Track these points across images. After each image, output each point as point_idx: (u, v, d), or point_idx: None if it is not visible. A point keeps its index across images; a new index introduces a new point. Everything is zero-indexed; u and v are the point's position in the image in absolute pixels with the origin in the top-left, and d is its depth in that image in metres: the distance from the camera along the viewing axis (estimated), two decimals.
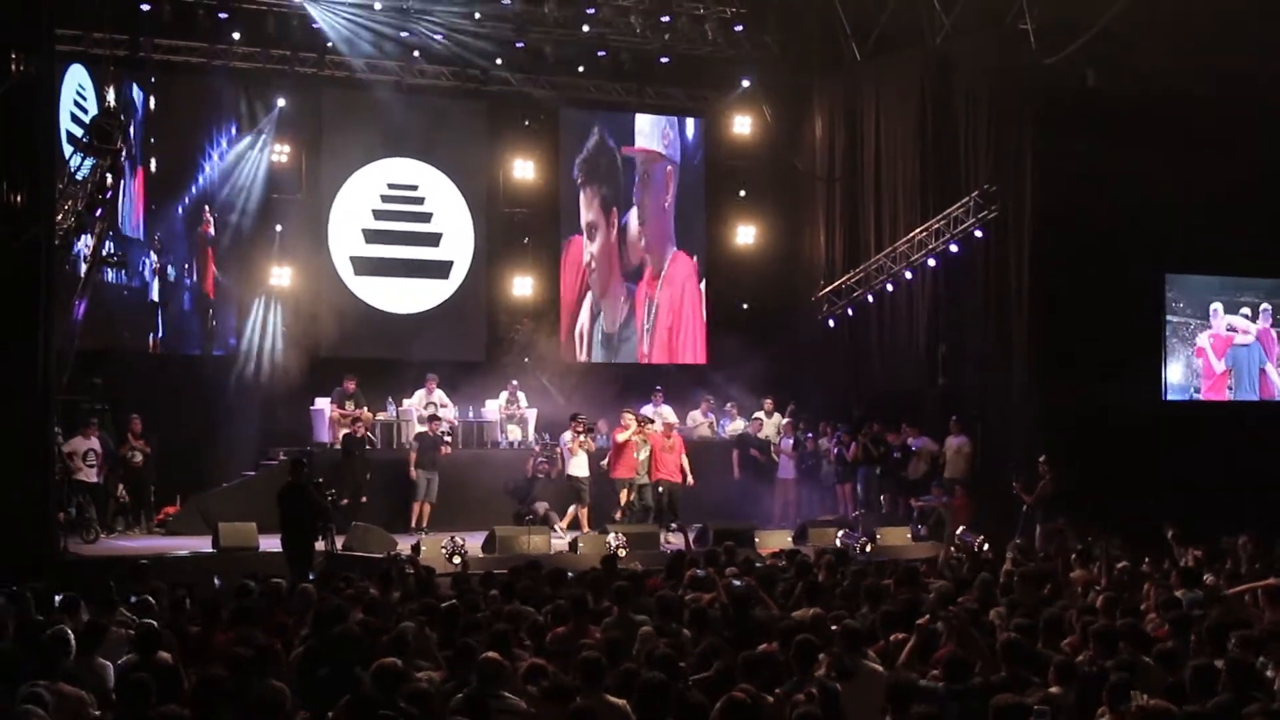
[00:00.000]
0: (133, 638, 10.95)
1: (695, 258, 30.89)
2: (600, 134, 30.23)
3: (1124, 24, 23.29)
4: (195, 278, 26.75)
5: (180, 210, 26.44)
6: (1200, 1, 22.79)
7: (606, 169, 30.32)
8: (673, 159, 30.85)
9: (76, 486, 22.42)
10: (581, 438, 24.25)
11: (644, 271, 30.57)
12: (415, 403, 25.39)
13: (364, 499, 23.42)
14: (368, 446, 24.12)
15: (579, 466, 24.12)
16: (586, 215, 30.16)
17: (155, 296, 26.30)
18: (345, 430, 24.11)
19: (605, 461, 24.26)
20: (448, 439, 24.40)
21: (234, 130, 26.91)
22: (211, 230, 26.78)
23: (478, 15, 27.27)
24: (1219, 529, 19.00)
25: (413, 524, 23.41)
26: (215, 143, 26.77)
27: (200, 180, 26.72)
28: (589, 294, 30.12)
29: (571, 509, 24.03)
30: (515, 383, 26.65)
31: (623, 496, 24.33)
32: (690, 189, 31.00)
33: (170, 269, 26.49)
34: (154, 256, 26.35)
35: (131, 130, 24.25)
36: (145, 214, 26.30)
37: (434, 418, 24.36)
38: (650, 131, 30.75)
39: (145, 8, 25.19)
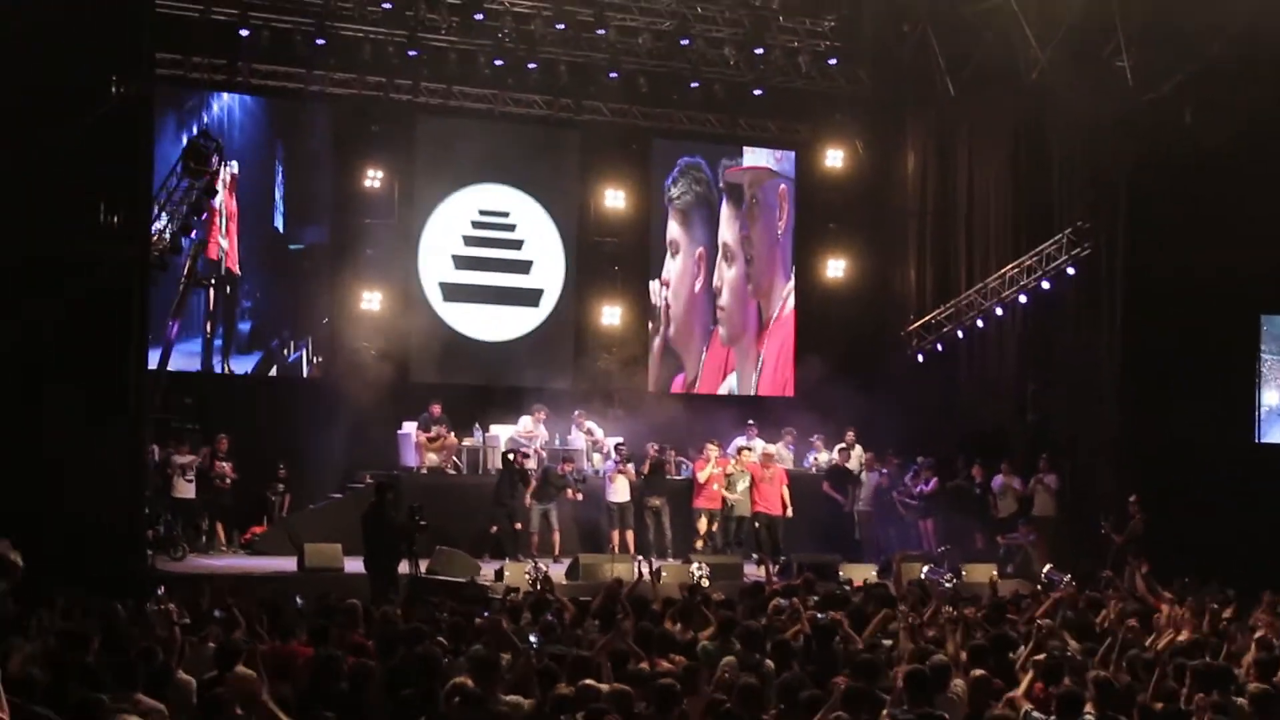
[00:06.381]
0: (214, 653, 11.04)
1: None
2: (701, 165, 30.23)
3: (1222, 63, 23.12)
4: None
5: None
6: None
7: (701, 204, 30.29)
8: (787, 175, 30.72)
9: (169, 504, 22.94)
10: (622, 465, 24.48)
11: (758, 318, 30.54)
12: (520, 429, 25.46)
13: (518, 525, 23.59)
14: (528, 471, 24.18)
15: (617, 493, 24.37)
16: (676, 248, 30.08)
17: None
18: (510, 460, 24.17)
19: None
20: (580, 483, 24.36)
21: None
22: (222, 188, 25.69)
23: (572, 44, 27.42)
24: None
25: (533, 551, 23.25)
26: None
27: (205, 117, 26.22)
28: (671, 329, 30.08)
29: (614, 534, 24.26)
30: (579, 412, 26.46)
31: (702, 525, 24.36)
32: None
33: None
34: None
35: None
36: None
37: (567, 459, 24.51)
38: (755, 158, 30.73)
39: (244, 33, 25.48)
